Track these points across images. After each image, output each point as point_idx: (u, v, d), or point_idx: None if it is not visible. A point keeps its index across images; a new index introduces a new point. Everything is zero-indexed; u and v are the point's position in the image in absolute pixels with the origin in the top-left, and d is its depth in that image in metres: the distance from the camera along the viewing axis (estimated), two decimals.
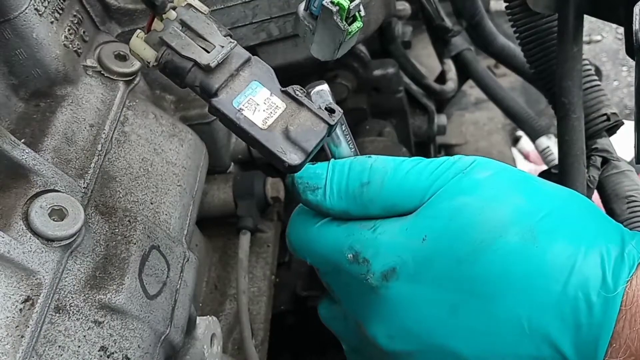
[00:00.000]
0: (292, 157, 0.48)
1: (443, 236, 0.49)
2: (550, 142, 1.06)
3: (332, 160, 0.55)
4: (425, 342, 0.51)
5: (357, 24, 0.57)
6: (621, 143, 0.84)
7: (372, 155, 0.54)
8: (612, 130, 0.81)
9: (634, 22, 0.56)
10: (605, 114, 0.80)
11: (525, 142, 1.78)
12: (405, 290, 0.50)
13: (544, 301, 0.47)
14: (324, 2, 0.55)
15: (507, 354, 0.49)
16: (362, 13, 0.57)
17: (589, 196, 0.77)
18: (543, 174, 0.85)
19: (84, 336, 0.52)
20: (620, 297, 0.45)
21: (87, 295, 0.54)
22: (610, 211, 0.76)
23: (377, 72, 1.05)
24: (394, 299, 0.51)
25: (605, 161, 0.79)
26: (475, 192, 0.50)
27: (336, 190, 0.53)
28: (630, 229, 0.70)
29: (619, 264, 0.46)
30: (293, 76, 0.77)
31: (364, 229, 0.53)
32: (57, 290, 0.52)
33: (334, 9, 0.55)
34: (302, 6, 0.59)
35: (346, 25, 0.56)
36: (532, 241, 0.48)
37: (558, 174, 0.76)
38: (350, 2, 0.55)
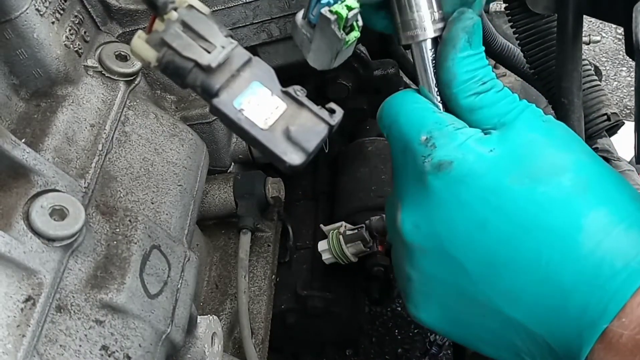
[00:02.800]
0: (293, 157, 0.48)
1: (508, 155, 0.51)
2: None
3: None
4: (443, 246, 0.51)
5: (355, 34, 0.57)
6: (622, 143, 0.84)
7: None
8: (612, 130, 0.82)
9: (633, 22, 0.56)
10: (606, 114, 0.80)
11: None
12: (450, 188, 0.51)
13: (570, 252, 0.47)
14: (322, 11, 0.55)
15: (516, 290, 0.49)
16: (360, 23, 0.57)
17: None
18: None
19: (85, 335, 0.52)
20: None
21: (88, 295, 0.54)
22: None
23: (378, 73, 1.05)
24: (436, 191, 0.51)
25: (606, 161, 0.79)
26: (550, 133, 0.52)
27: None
28: None
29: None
30: (294, 76, 0.77)
31: (450, 125, 0.53)
32: (58, 289, 0.52)
33: (332, 17, 0.55)
34: (300, 15, 0.59)
35: (344, 34, 0.56)
36: (582, 194, 0.49)
37: None
38: (349, 11, 0.55)
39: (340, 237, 0.83)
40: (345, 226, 0.85)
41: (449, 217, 0.51)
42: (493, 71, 0.56)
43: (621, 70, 2.53)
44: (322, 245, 0.84)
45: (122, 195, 0.64)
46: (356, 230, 0.83)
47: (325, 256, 0.84)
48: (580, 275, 0.47)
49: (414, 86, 1.26)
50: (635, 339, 0.44)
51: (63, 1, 0.68)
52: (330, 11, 0.54)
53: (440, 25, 0.56)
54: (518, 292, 0.49)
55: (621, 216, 0.48)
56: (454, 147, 0.52)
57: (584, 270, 0.47)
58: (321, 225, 0.88)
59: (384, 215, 0.82)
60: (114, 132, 0.67)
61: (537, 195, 0.49)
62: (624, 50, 0.65)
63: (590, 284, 0.46)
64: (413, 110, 0.57)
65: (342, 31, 0.55)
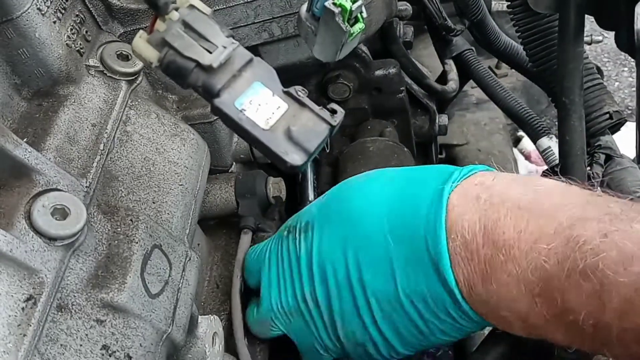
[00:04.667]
0: (294, 157, 0.48)
1: (331, 192, 0.72)
2: (551, 143, 1.06)
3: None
4: (337, 274, 0.66)
5: (359, 26, 0.57)
6: (624, 142, 0.84)
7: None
8: (615, 127, 0.82)
9: (635, 21, 0.57)
10: (608, 112, 0.80)
11: (526, 142, 1.78)
12: (319, 237, 0.66)
13: (398, 212, 0.61)
14: (326, 4, 0.55)
15: (387, 271, 0.61)
16: (364, 14, 0.57)
17: None
18: (545, 174, 0.85)
19: (86, 335, 0.52)
20: (445, 197, 0.58)
21: (89, 294, 0.54)
22: None
23: (379, 72, 1.05)
24: (316, 247, 0.66)
25: (609, 158, 0.80)
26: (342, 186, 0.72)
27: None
28: None
29: (445, 179, 0.59)
30: (295, 76, 0.77)
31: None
32: (60, 289, 0.52)
33: (336, 10, 0.55)
34: (304, 7, 0.59)
35: (348, 26, 0.56)
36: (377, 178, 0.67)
37: (559, 173, 0.76)
38: (353, 4, 0.55)
39: None
40: None
41: (320, 251, 0.67)
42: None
43: (623, 70, 2.52)
44: None
45: (123, 195, 0.64)
46: None
47: None
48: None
49: (415, 86, 1.25)
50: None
51: (64, 1, 0.68)
52: (334, 4, 0.55)
53: None
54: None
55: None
56: (304, 215, 0.70)
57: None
58: None
59: None
60: (115, 132, 0.68)
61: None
62: None
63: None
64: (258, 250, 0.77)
65: (346, 23, 0.56)
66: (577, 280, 0.47)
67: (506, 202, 0.54)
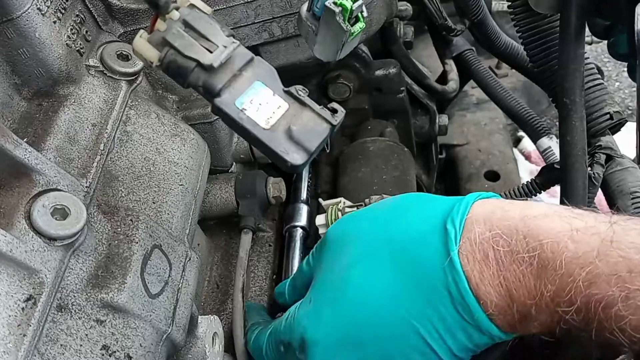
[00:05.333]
0: (295, 156, 0.48)
1: (316, 292, 0.63)
2: (551, 143, 1.06)
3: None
4: None
5: (360, 25, 0.57)
6: (623, 143, 0.84)
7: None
8: (615, 128, 0.81)
9: (635, 22, 0.56)
10: (608, 113, 0.80)
11: (526, 142, 1.77)
12: (318, 353, 0.60)
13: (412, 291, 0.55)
14: (326, 3, 0.55)
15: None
16: (365, 14, 0.57)
17: (594, 193, 0.77)
18: (545, 169, 0.85)
19: (86, 335, 0.52)
20: (457, 262, 0.52)
21: (89, 294, 0.54)
22: (615, 208, 0.76)
23: (379, 73, 1.05)
24: None
25: (609, 158, 0.79)
26: (327, 252, 0.65)
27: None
28: None
29: (444, 236, 0.54)
30: (295, 76, 0.77)
31: (284, 320, 0.65)
32: (59, 289, 0.52)
33: (337, 9, 0.55)
34: (304, 7, 0.59)
35: (349, 26, 0.56)
36: (373, 252, 0.59)
37: (560, 173, 0.76)
38: (353, 3, 0.55)
39: (339, 212, 0.83)
40: (344, 202, 0.85)
41: None
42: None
43: (623, 70, 2.52)
44: (319, 220, 0.84)
45: (123, 195, 0.64)
46: (355, 208, 0.83)
47: (322, 230, 0.84)
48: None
49: (415, 86, 1.25)
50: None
51: (64, 1, 0.68)
52: (335, 3, 0.55)
53: None
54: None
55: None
56: (296, 329, 0.61)
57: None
58: (320, 200, 0.88)
59: (384, 195, 0.83)
60: (115, 132, 0.67)
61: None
62: None
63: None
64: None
65: (347, 23, 0.55)
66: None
67: (515, 261, 0.50)
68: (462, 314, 0.52)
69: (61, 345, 0.51)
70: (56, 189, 0.55)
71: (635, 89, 0.73)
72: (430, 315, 0.53)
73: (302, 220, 0.91)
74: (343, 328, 0.57)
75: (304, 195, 0.96)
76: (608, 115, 0.80)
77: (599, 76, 0.81)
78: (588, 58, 0.77)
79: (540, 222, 0.49)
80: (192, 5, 0.50)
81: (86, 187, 0.60)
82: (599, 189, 0.79)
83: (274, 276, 0.90)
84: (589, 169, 0.77)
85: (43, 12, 0.63)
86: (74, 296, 0.53)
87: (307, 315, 0.61)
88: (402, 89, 1.09)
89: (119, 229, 0.59)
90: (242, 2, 0.80)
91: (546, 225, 0.49)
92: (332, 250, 0.63)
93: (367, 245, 0.59)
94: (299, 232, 0.90)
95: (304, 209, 0.93)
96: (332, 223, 0.83)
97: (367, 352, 0.56)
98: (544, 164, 0.96)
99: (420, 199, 0.61)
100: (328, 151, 1.07)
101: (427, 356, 0.54)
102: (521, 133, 1.74)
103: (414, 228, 0.56)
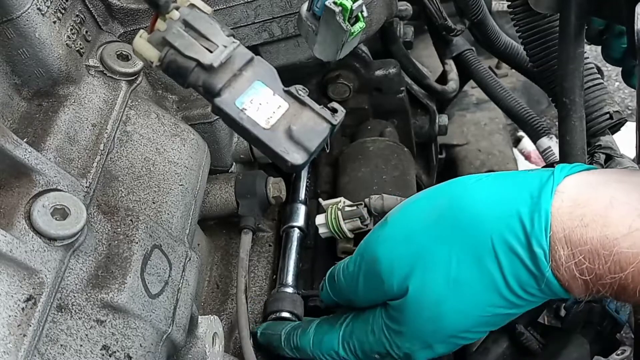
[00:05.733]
0: (295, 156, 0.48)
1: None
2: (551, 143, 1.06)
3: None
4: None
5: (360, 25, 0.57)
6: (622, 143, 0.84)
7: (338, 267, 0.70)
8: (615, 127, 0.81)
9: (635, 22, 0.56)
10: (608, 112, 0.80)
11: (526, 142, 1.78)
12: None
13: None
14: (326, 3, 0.55)
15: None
16: (365, 14, 0.57)
17: None
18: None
19: (86, 335, 0.52)
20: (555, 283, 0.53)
21: (89, 294, 0.54)
22: None
23: (379, 73, 1.05)
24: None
25: (609, 158, 0.79)
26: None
27: (340, 300, 0.71)
28: None
29: (534, 257, 0.53)
30: (295, 76, 0.77)
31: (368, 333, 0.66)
32: (60, 289, 0.52)
33: (337, 9, 0.55)
34: (304, 7, 0.59)
35: (349, 25, 0.56)
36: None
37: None
38: (353, 3, 0.55)
39: (339, 212, 0.83)
40: (344, 202, 0.84)
41: None
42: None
43: None
44: (319, 219, 0.84)
45: (123, 195, 0.64)
46: (355, 207, 0.83)
47: (322, 230, 0.84)
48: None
49: (415, 86, 1.24)
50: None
51: (64, 1, 0.68)
52: (335, 3, 0.55)
53: None
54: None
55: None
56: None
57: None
58: (320, 200, 0.88)
59: (383, 195, 0.83)
60: (115, 132, 0.67)
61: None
62: None
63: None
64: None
65: (347, 22, 0.55)
66: None
67: (598, 283, 0.52)
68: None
69: (61, 345, 0.51)
70: (56, 189, 0.55)
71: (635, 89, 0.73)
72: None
73: (300, 220, 0.91)
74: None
75: (302, 195, 0.96)
76: (608, 115, 0.80)
77: (598, 76, 0.81)
78: (588, 58, 0.77)
79: (621, 247, 0.50)
80: (192, 5, 0.50)
81: (86, 187, 0.60)
82: None
83: (274, 276, 0.90)
84: None
85: (43, 12, 0.63)
86: (74, 296, 0.53)
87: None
88: (402, 89, 1.09)
89: (119, 229, 0.59)
90: (242, 2, 0.80)
91: (627, 250, 0.49)
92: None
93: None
94: (296, 233, 0.90)
95: (301, 209, 0.93)
96: (331, 223, 0.83)
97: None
98: (543, 164, 0.96)
99: (488, 202, 0.58)
100: (328, 151, 1.07)
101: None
102: (521, 133, 1.74)
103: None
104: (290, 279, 0.85)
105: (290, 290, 0.83)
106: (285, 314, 0.80)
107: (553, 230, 0.52)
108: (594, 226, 0.51)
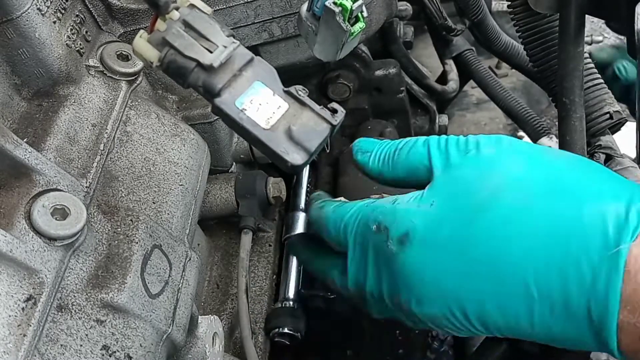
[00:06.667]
0: (295, 157, 0.48)
1: (447, 201, 0.54)
2: (551, 143, 1.06)
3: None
4: (448, 306, 0.54)
5: (360, 25, 0.57)
6: (622, 143, 0.84)
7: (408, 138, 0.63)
8: (615, 127, 0.81)
9: (635, 21, 0.56)
10: (608, 112, 0.80)
11: None
12: (420, 255, 0.54)
13: (548, 263, 0.49)
14: (326, 3, 0.55)
15: (521, 313, 0.51)
16: (365, 14, 0.57)
17: None
18: None
19: (86, 335, 0.52)
20: (622, 257, 0.46)
21: (89, 294, 0.54)
22: None
23: (379, 73, 1.05)
24: (412, 264, 0.55)
25: (609, 158, 0.79)
26: (476, 164, 0.55)
27: (378, 156, 0.63)
28: None
29: (622, 224, 0.47)
30: (295, 76, 0.77)
31: (386, 203, 0.59)
32: (60, 289, 0.52)
33: (337, 9, 0.55)
34: (304, 7, 0.59)
35: (349, 25, 0.56)
36: (527, 205, 0.51)
37: None
38: (353, 3, 0.55)
39: None
40: (343, 202, 0.85)
41: (436, 281, 0.54)
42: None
43: None
44: None
45: (123, 195, 0.64)
46: None
47: None
48: (567, 282, 0.48)
49: (415, 86, 1.25)
50: None
51: (64, 1, 0.68)
52: (335, 3, 0.55)
53: None
54: (527, 318, 0.51)
55: (577, 206, 0.50)
56: (400, 220, 0.56)
57: (569, 278, 0.48)
58: None
59: (383, 195, 0.83)
60: (115, 132, 0.67)
61: (489, 228, 0.52)
62: (625, 51, 0.65)
63: (579, 288, 0.48)
64: (349, 210, 0.63)
65: (347, 23, 0.56)
66: None
67: None
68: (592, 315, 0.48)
69: (61, 345, 0.51)
70: (56, 189, 0.55)
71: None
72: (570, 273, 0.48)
73: (300, 229, 0.91)
74: (461, 251, 0.52)
75: (302, 203, 0.96)
76: (608, 115, 0.80)
77: (598, 76, 0.81)
78: (588, 58, 0.77)
79: None
80: (192, 5, 0.50)
81: (86, 187, 0.60)
82: None
83: (274, 276, 0.91)
84: None
85: (43, 13, 0.63)
86: (74, 296, 0.53)
87: (425, 216, 0.55)
88: (402, 89, 1.09)
89: (119, 229, 0.59)
90: (242, 2, 0.80)
91: None
92: (480, 176, 0.54)
93: (519, 191, 0.52)
94: None
95: (301, 217, 0.93)
96: None
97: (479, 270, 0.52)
98: None
99: (599, 170, 0.53)
100: (328, 151, 1.07)
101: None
102: (521, 133, 1.74)
103: (582, 199, 0.50)
104: (291, 292, 0.85)
105: (291, 304, 0.84)
106: (287, 331, 0.81)
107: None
108: None
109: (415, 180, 0.60)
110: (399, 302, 0.57)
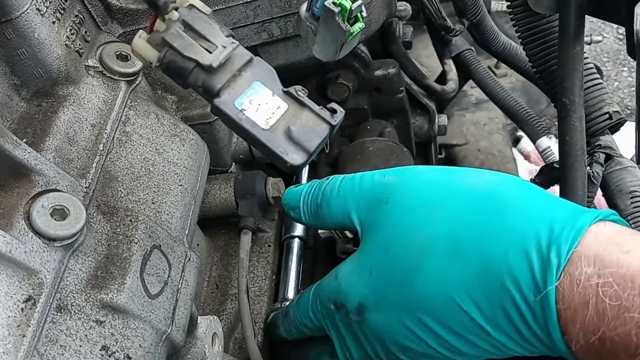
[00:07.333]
0: (294, 157, 0.48)
1: (384, 268, 0.57)
2: (550, 143, 1.06)
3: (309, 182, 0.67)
4: (413, 357, 0.57)
5: (359, 25, 0.57)
6: (622, 143, 0.84)
7: (331, 177, 0.65)
8: (614, 128, 0.82)
9: (635, 22, 0.56)
10: (607, 113, 0.80)
11: (525, 142, 1.78)
12: (380, 316, 0.58)
13: (489, 299, 0.51)
14: (325, 3, 0.55)
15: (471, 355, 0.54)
16: (364, 14, 0.57)
17: (593, 192, 0.77)
18: (545, 169, 0.85)
19: (86, 335, 0.52)
20: (552, 296, 0.47)
21: (88, 295, 0.54)
22: (614, 207, 0.76)
23: (378, 73, 1.05)
24: (377, 326, 0.58)
25: (609, 157, 0.79)
26: (397, 221, 0.57)
27: (305, 212, 0.66)
28: (635, 224, 0.71)
29: (545, 265, 0.48)
30: (294, 76, 0.77)
31: (332, 281, 0.62)
32: (59, 289, 0.52)
33: (336, 9, 0.55)
34: (304, 7, 0.59)
35: (348, 26, 0.56)
36: (457, 253, 0.52)
37: (559, 172, 0.76)
38: (352, 3, 0.55)
39: None
40: None
41: (396, 337, 0.57)
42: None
43: (622, 70, 2.52)
44: None
45: (122, 195, 0.64)
46: None
47: (321, 230, 0.84)
48: (508, 321, 0.50)
49: (414, 86, 1.25)
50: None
51: (63, 1, 0.68)
52: (334, 3, 0.55)
53: None
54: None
55: (501, 249, 0.51)
56: (351, 295, 0.59)
57: (510, 318, 0.50)
58: None
59: None
60: (114, 132, 0.67)
61: (424, 285, 0.54)
62: (625, 51, 0.65)
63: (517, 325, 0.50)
64: (305, 307, 0.66)
65: (346, 23, 0.56)
66: None
67: (620, 317, 0.44)
68: (540, 338, 0.49)
69: (61, 345, 0.51)
70: (55, 190, 0.55)
71: (634, 88, 0.73)
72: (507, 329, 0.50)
73: (299, 229, 0.91)
74: (410, 308, 0.55)
75: None
76: (607, 115, 0.80)
77: (598, 76, 0.81)
78: (587, 58, 0.77)
79: None
80: (191, 6, 0.50)
81: (85, 187, 0.60)
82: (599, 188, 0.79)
83: (274, 276, 0.91)
84: (588, 168, 0.77)
85: (42, 13, 0.63)
86: (74, 297, 0.53)
87: (369, 285, 0.58)
88: (401, 89, 1.09)
89: (119, 230, 0.59)
90: (241, 2, 0.80)
91: None
92: (400, 223, 0.57)
93: (446, 241, 0.53)
94: (296, 243, 0.90)
95: None
96: None
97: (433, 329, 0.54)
98: (543, 164, 0.96)
99: (523, 195, 0.53)
100: (327, 151, 1.07)
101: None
102: (520, 133, 1.75)
103: (507, 238, 0.50)
104: (291, 293, 0.85)
105: None
106: None
107: (583, 246, 0.47)
108: (635, 254, 0.45)
109: (348, 228, 0.63)
110: (390, 357, 0.59)
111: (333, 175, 0.65)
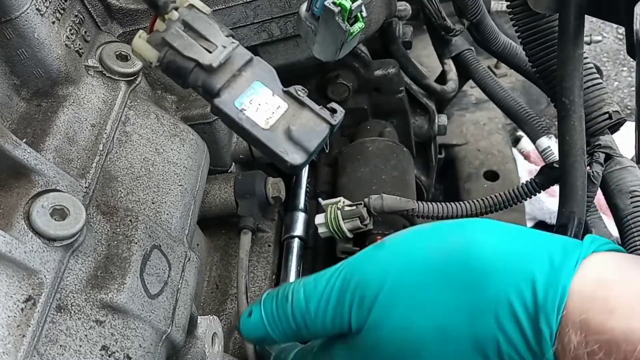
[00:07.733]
0: (294, 157, 0.48)
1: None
2: (550, 143, 1.06)
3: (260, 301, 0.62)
4: None
5: (359, 25, 0.57)
6: (622, 142, 0.84)
7: (293, 285, 0.60)
8: (614, 127, 0.81)
9: (634, 21, 0.56)
10: (607, 112, 0.80)
11: (525, 142, 1.77)
12: None
13: None
14: (325, 3, 0.55)
15: None
16: (364, 14, 0.57)
17: (593, 192, 0.77)
18: (545, 169, 0.85)
19: (85, 335, 0.52)
20: None
21: (88, 295, 0.54)
22: (614, 206, 0.76)
23: (378, 72, 1.05)
24: None
25: (609, 157, 0.79)
26: (383, 319, 0.54)
27: (276, 330, 0.60)
28: (635, 224, 0.70)
29: (539, 335, 0.48)
30: (294, 76, 0.77)
31: None
32: (59, 289, 0.52)
33: (336, 9, 0.55)
34: (304, 7, 0.59)
35: (348, 25, 0.56)
36: (448, 343, 0.52)
37: (559, 172, 0.76)
38: (352, 3, 0.55)
39: (338, 212, 0.83)
40: (343, 202, 0.85)
41: None
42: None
43: (622, 70, 2.52)
44: (319, 219, 0.84)
45: (122, 195, 0.64)
46: (354, 207, 0.83)
47: (321, 230, 0.84)
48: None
49: (414, 86, 1.24)
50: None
51: (63, 1, 0.68)
52: (334, 3, 0.55)
53: None
54: None
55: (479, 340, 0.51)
56: None
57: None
58: (319, 199, 0.88)
59: (383, 195, 0.82)
60: (114, 132, 0.67)
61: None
62: (624, 50, 0.65)
63: None
64: None
65: (346, 23, 0.56)
66: None
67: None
68: None
69: (60, 345, 0.51)
70: (55, 190, 0.55)
71: (633, 88, 0.73)
72: None
73: (299, 229, 0.91)
74: None
75: (301, 203, 0.96)
76: (607, 115, 0.80)
77: (597, 76, 0.81)
78: (587, 58, 0.77)
79: None
80: (191, 6, 0.50)
81: (85, 187, 0.60)
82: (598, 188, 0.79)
83: (274, 276, 0.91)
84: (588, 167, 0.77)
85: (42, 13, 0.63)
86: (74, 297, 0.53)
87: None
88: (401, 89, 1.09)
89: (118, 230, 0.59)
90: (241, 2, 0.80)
91: None
92: (384, 321, 0.55)
93: (435, 332, 0.52)
94: (296, 243, 0.91)
95: (300, 217, 0.93)
96: (331, 223, 0.83)
97: None
98: (543, 164, 0.96)
99: (498, 250, 0.52)
100: (327, 151, 1.07)
101: None
102: (520, 133, 1.74)
103: (493, 311, 0.50)
104: None
105: None
106: None
107: (568, 310, 0.47)
108: (618, 314, 0.45)
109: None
110: None
111: (269, 296, 0.61)
